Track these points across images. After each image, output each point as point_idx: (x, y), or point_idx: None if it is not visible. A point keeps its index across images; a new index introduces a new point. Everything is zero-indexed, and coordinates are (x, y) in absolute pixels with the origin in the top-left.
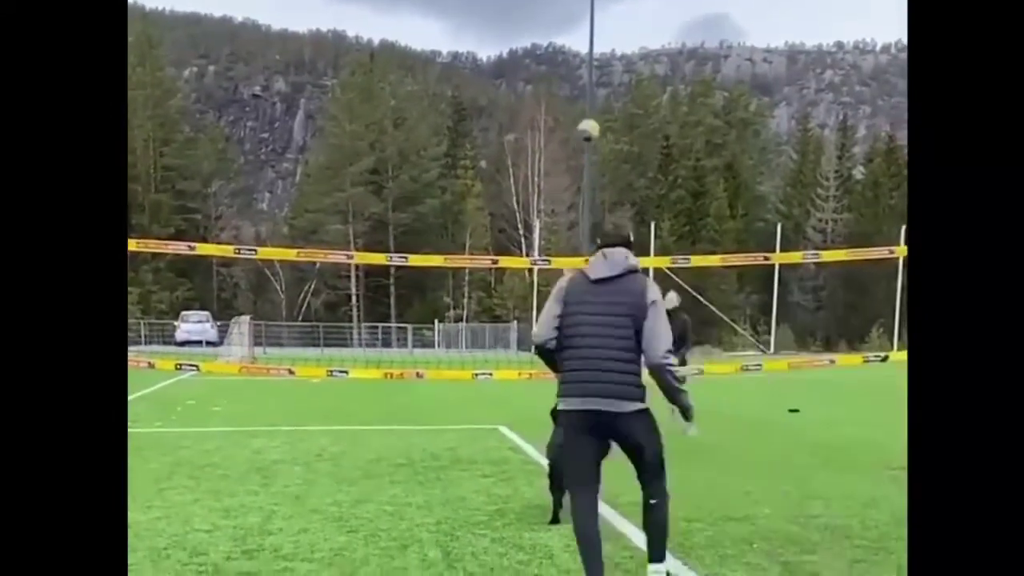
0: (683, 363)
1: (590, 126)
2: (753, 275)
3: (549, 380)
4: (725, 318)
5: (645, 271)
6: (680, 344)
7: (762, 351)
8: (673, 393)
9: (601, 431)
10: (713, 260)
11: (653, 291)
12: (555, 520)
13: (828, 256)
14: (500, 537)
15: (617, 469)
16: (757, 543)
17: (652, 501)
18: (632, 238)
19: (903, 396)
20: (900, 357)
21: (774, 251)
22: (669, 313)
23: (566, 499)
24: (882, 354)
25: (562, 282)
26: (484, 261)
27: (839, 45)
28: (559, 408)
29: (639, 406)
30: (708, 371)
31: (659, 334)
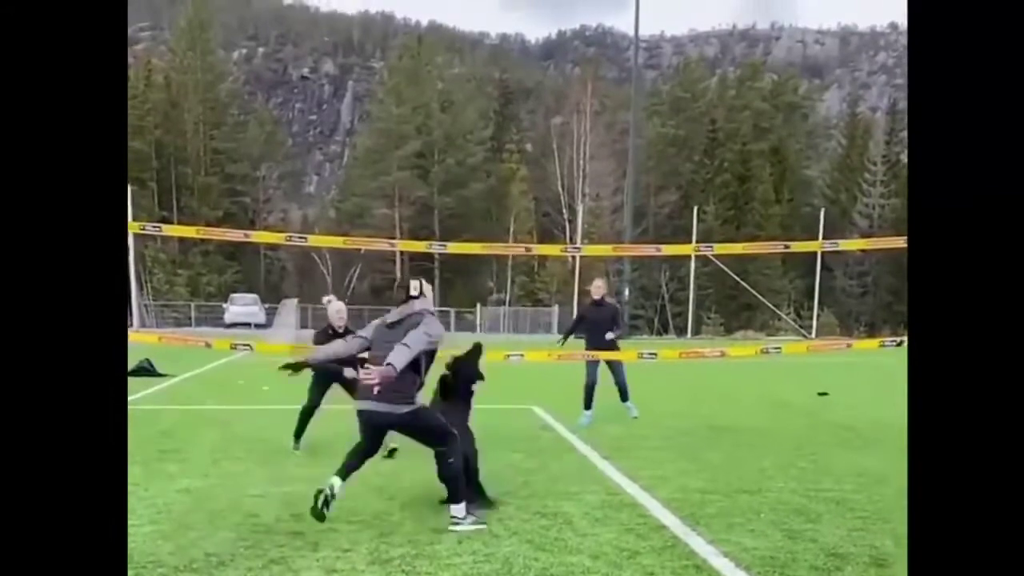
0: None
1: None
2: (798, 259)
3: (577, 361)
4: (766, 302)
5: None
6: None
7: (804, 336)
8: None
9: None
10: (735, 248)
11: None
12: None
13: (845, 245)
14: (525, 505)
15: (637, 447)
16: (764, 513)
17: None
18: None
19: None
20: None
21: (816, 238)
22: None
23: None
24: (898, 339)
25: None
26: (519, 249)
27: (893, 26)
28: None
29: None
30: (731, 354)
31: None
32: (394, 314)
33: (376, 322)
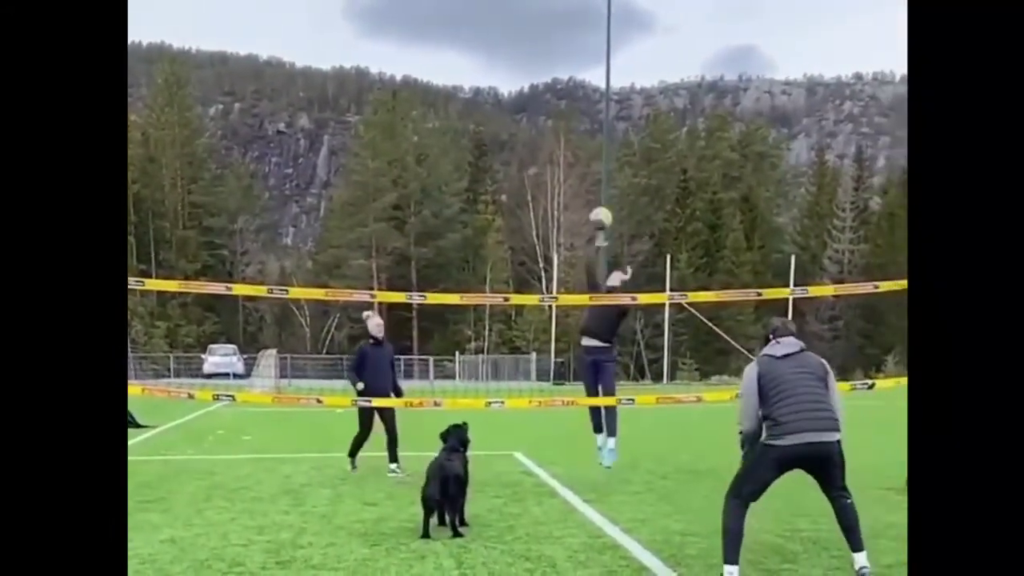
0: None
1: (603, 215)
2: (769, 305)
3: (556, 408)
4: (740, 347)
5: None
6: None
7: None
8: None
9: None
10: (708, 296)
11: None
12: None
13: (814, 291)
14: (509, 549)
15: (618, 491)
16: (743, 554)
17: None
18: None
19: (895, 421)
20: (885, 385)
21: (788, 283)
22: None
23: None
24: (868, 382)
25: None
26: (497, 299)
27: (858, 76)
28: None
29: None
30: (707, 399)
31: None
32: (782, 347)
33: (760, 359)
